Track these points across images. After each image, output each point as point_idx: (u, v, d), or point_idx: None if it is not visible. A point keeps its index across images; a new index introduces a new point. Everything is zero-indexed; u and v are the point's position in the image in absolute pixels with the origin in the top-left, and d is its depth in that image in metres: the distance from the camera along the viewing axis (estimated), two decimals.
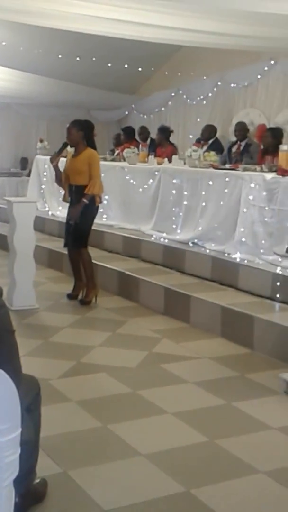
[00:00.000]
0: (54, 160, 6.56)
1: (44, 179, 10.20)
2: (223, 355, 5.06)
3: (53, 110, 13.85)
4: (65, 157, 6.77)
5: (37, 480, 2.86)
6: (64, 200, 6.68)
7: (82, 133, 6.35)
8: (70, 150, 6.69)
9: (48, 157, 6.83)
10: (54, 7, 7.17)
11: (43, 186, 10.26)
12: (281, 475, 3.20)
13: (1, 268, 7.49)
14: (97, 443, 3.53)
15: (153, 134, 10.95)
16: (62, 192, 6.80)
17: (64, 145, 6.53)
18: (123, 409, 3.99)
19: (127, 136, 11.12)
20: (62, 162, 6.64)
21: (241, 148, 9.30)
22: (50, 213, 9.78)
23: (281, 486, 3.10)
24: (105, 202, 7.75)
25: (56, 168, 6.58)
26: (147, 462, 3.28)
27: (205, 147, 9.26)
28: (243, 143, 9.35)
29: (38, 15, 7.86)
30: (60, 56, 11.68)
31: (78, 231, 6.41)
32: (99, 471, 3.20)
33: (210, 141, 9.79)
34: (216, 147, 9.39)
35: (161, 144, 10.04)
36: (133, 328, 5.75)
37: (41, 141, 10.89)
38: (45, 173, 10.14)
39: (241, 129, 9.46)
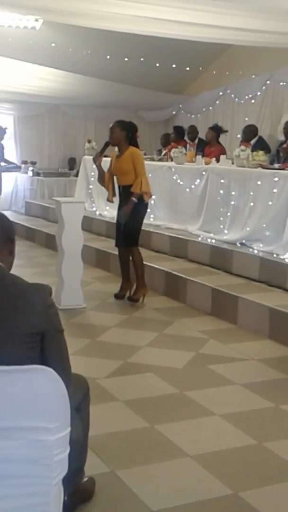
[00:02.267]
0: (97, 159, 6.59)
1: (92, 179, 10.27)
2: (271, 357, 5.01)
3: (101, 110, 13.94)
4: (107, 156, 6.77)
5: (85, 479, 2.88)
6: (108, 200, 6.69)
7: (125, 133, 6.35)
8: (115, 150, 6.68)
9: None
10: (102, 8, 7.22)
11: (90, 186, 10.33)
12: None
13: (50, 268, 7.58)
14: (145, 443, 3.53)
15: (201, 134, 10.90)
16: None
17: (106, 144, 6.52)
18: (171, 410, 3.99)
19: (178, 136, 11.09)
20: (106, 162, 6.65)
21: None
22: (97, 213, 9.84)
23: None
24: (152, 202, 7.75)
25: (99, 167, 6.61)
26: (194, 464, 3.27)
27: (249, 148, 9.14)
28: None
29: (86, 17, 7.92)
30: (108, 57, 11.75)
31: (129, 229, 6.42)
32: (147, 471, 3.20)
33: (253, 141, 9.65)
34: (260, 146, 9.24)
35: (211, 143, 9.96)
36: (180, 329, 5.74)
37: (89, 141, 10.96)
38: (92, 173, 10.20)
39: None
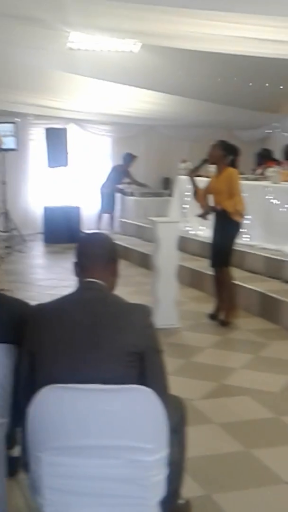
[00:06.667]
0: (191, 174, 6.60)
1: (186, 199, 10.29)
2: None
3: (195, 130, 13.98)
4: (202, 176, 6.71)
5: (182, 502, 2.85)
6: (200, 216, 6.65)
7: (223, 153, 6.27)
8: (212, 170, 6.64)
9: None
10: (198, 30, 7.26)
11: (185, 206, 10.35)
12: None
13: (144, 287, 7.61)
14: (240, 467, 3.46)
15: None
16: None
17: (204, 161, 6.52)
18: (266, 435, 3.90)
19: (264, 157, 10.97)
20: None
21: None
22: (192, 232, 9.83)
23: None
24: (247, 221, 7.66)
25: (193, 182, 6.60)
26: None
27: None
28: None
29: (183, 39, 8.00)
30: (202, 78, 11.80)
31: (218, 248, 6.36)
32: (243, 496, 3.14)
33: None
34: None
35: None
36: (276, 351, 5.62)
37: (184, 161, 11.01)
38: (186, 193, 10.22)
39: None
